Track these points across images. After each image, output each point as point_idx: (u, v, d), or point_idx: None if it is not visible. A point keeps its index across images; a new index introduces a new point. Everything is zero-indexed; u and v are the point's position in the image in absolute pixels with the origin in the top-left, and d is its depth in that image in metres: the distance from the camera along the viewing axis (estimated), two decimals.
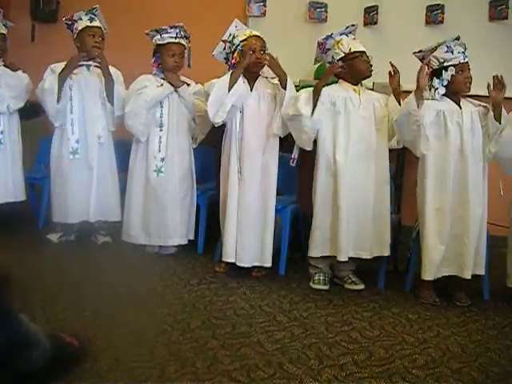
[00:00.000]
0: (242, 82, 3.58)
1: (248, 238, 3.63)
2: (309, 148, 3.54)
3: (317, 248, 3.53)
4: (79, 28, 4.04)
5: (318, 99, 3.43)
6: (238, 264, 3.63)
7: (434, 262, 3.35)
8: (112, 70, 4.12)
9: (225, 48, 3.70)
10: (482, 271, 3.39)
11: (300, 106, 3.43)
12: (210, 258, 3.92)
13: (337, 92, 3.52)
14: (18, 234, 4.17)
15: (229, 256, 3.64)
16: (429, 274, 3.37)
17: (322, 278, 3.57)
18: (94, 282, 3.36)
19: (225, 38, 3.69)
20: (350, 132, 3.47)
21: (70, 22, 4.08)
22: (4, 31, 4.21)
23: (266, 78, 3.69)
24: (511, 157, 3.32)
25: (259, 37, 3.64)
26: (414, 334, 2.92)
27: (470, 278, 3.34)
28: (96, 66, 4.09)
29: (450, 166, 3.35)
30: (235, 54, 3.61)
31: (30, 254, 3.82)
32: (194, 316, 2.99)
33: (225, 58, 3.72)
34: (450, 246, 3.36)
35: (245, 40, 3.59)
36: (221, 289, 3.44)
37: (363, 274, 3.61)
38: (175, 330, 2.82)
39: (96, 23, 4.05)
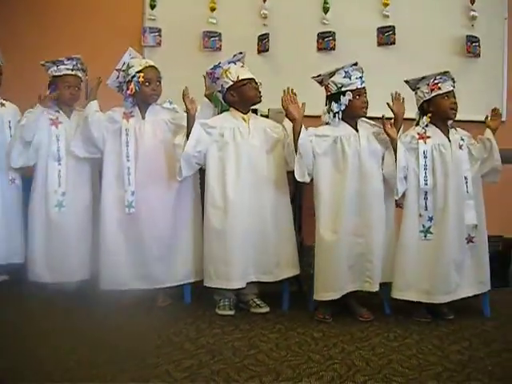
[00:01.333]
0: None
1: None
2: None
3: (211, 280, 3.56)
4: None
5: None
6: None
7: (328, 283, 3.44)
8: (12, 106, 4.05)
9: (118, 77, 3.69)
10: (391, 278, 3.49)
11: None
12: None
13: (225, 123, 3.58)
14: None
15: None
16: (319, 295, 3.46)
17: (226, 303, 3.58)
18: None
19: (118, 66, 3.69)
20: (239, 162, 3.53)
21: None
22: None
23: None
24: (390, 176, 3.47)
25: (155, 67, 3.65)
26: (320, 351, 2.97)
27: (377, 290, 3.45)
28: None
29: (347, 190, 3.44)
30: (131, 85, 3.58)
31: None
32: (100, 351, 2.92)
33: (117, 87, 3.72)
34: (354, 265, 3.45)
35: (140, 71, 3.59)
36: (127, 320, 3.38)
37: (268, 297, 3.65)
38: (80, 366, 2.73)
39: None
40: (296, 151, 3.40)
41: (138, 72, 3.59)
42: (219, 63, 3.65)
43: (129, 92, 3.60)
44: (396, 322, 3.42)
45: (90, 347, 2.95)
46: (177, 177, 3.52)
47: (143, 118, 3.66)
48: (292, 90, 3.48)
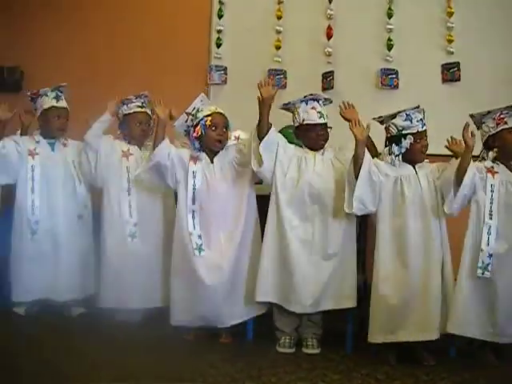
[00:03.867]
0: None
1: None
2: None
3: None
4: (44, 106, 4.07)
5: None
6: None
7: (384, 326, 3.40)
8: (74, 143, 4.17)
9: (187, 120, 3.75)
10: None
11: None
12: None
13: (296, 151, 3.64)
14: None
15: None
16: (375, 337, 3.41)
17: (287, 341, 3.58)
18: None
19: (189, 110, 3.75)
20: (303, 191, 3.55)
21: (34, 96, 4.12)
22: None
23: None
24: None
25: (223, 114, 3.70)
26: None
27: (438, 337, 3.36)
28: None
29: (409, 231, 3.40)
30: (197, 128, 3.65)
31: None
32: None
33: (185, 131, 3.77)
34: (414, 308, 3.38)
35: (209, 115, 3.65)
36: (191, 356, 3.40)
37: (331, 337, 3.62)
38: None
39: (62, 103, 4.09)
40: (356, 177, 3.36)
41: (206, 116, 3.65)
42: (289, 102, 3.68)
43: (195, 134, 3.66)
44: (462, 366, 3.33)
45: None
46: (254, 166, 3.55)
47: (212, 161, 3.71)
48: (350, 103, 3.50)
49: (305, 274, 3.52)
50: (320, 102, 3.65)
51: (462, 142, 3.39)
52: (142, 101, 4.08)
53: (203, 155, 3.71)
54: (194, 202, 3.63)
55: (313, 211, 3.56)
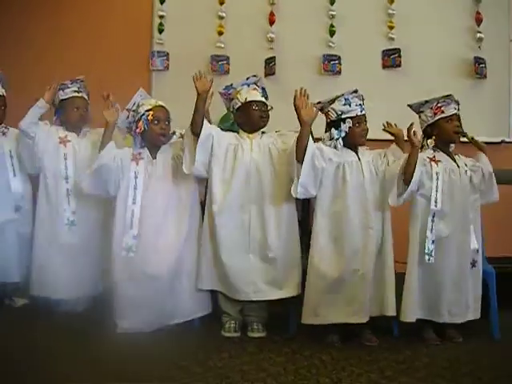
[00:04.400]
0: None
1: None
2: None
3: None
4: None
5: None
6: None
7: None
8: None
9: (128, 117, 3.69)
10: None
11: None
12: None
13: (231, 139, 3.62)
14: None
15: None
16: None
17: (232, 325, 3.58)
18: None
19: (129, 106, 3.70)
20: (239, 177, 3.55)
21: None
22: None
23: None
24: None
25: (164, 107, 3.66)
26: (329, 374, 2.96)
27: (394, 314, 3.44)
28: None
29: (348, 217, 3.44)
30: (140, 123, 3.59)
31: None
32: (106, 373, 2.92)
33: (127, 127, 3.71)
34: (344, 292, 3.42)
35: (150, 110, 3.60)
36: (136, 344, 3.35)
37: (275, 320, 3.64)
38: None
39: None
40: (300, 160, 3.35)
41: (148, 110, 3.60)
42: (231, 84, 3.69)
43: (138, 130, 3.60)
44: (405, 345, 3.40)
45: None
46: (185, 168, 3.51)
47: (154, 157, 3.65)
48: (305, 90, 3.41)
49: (243, 266, 3.52)
50: (259, 88, 3.68)
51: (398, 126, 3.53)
52: (79, 85, 3.99)
53: (146, 152, 3.65)
54: (134, 202, 3.57)
55: (249, 200, 3.55)
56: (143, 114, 3.59)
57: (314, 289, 3.44)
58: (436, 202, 3.42)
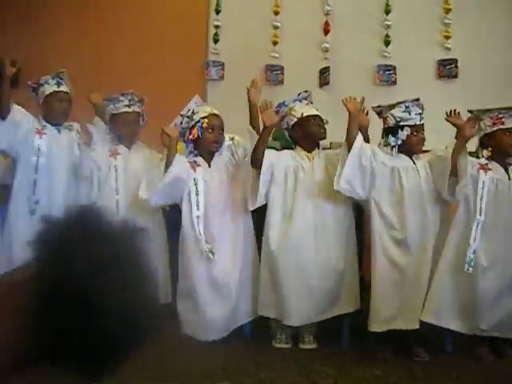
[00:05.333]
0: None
1: None
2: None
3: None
4: (46, 92, 4.03)
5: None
6: None
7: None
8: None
9: (181, 123, 3.70)
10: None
11: None
12: None
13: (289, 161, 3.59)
14: None
15: None
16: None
17: (283, 336, 3.59)
18: None
19: (183, 112, 3.73)
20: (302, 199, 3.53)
21: (35, 86, 4.08)
22: None
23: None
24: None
25: (218, 115, 3.66)
26: None
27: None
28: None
29: (406, 222, 3.41)
30: (194, 130, 3.60)
31: None
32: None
33: (180, 132, 3.68)
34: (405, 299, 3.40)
35: (205, 117, 3.61)
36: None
37: (327, 332, 3.62)
38: None
39: (63, 88, 4.05)
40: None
41: (203, 118, 3.61)
42: (284, 102, 3.68)
43: (191, 137, 3.62)
44: (458, 362, 3.34)
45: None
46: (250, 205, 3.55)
47: (209, 166, 3.67)
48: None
49: (306, 291, 3.50)
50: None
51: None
52: (130, 98, 3.92)
53: (201, 160, 3.66)
54: (198, 208, 3.59)
55: (311, 222, 3.53)
56: (198, 121, 3.60)
57: (379, 297, 3.42)
58: (481, 211, 3.35)
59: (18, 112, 3.84)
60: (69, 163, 3.99)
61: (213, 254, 3.51)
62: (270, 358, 3.37)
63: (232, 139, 3.73)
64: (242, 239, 3.64)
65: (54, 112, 3.99)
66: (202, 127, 3.60)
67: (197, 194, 3.58)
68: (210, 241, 3.54)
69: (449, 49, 4.89)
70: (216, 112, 3.69)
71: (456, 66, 4.84)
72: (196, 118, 3.63)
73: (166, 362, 3.19)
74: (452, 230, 3.43)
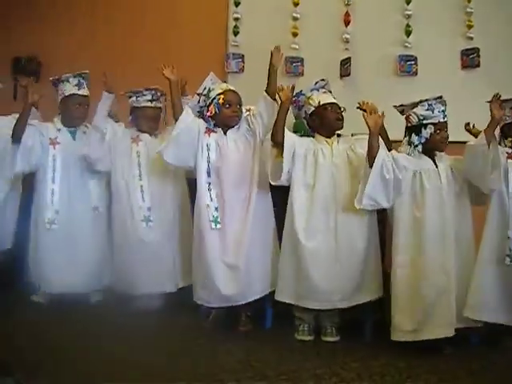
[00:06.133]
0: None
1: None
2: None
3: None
4: (65, 93, 4.07)
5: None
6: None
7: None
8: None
9: (199, 101, 3.76)
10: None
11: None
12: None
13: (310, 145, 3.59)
14: None
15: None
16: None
17: (306, 328, 3.57)
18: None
19: (199, 91, 3.77)
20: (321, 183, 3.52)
21: (56, 81, 4.12)
22: None
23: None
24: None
25: (235, 91, 3.72)
26: (403, 382, 2.92)
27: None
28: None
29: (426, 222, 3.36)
30: (211, 107, 3.66)
31: None
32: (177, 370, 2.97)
33: (198, 111, 3.76)
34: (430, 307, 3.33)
35: (221, 93, 3.66)
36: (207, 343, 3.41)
37: (350, 324, 3.60)
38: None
39: (83, 91, 4.09)
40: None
41: (219, 94, 3.66)
42: (301, 91, 3.69)
43: (208, 114, 3.67)
44: (482, 354, 3.31)
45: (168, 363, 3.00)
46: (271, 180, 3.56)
47: (225, 134, 3.70)
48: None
49: (331, 276, 3.48)
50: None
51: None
52: (153, 93, 4.06)
53: (218, 129, 3.70)
54: (209, 175, 3.63)
55: (334, 206, 3.51)
56: (214, 98, 3.66)
57: (400, 303, 3.37)
58: None
59: (31, 131, 4.00)
60: (84, 169, 4.09)
61: (216, 223, 3.55)
62: (292, 350, 3.36)
63: (248, 110, 3.77)
64: (259, 213, 3.63)
65: (70, 115, 4.12)
66: (218, 103, 3.64)
67: (208, 161, 3.63)
68: (220, 210, 3.58)
69: (471, 38, 4.80)
70: (232, 88, 3.73)
71: (478, 55, 4.75)
72: (212, 95, 3.68)
73: (188, 354, 3.22)
74: (487, 225, 3.39)
